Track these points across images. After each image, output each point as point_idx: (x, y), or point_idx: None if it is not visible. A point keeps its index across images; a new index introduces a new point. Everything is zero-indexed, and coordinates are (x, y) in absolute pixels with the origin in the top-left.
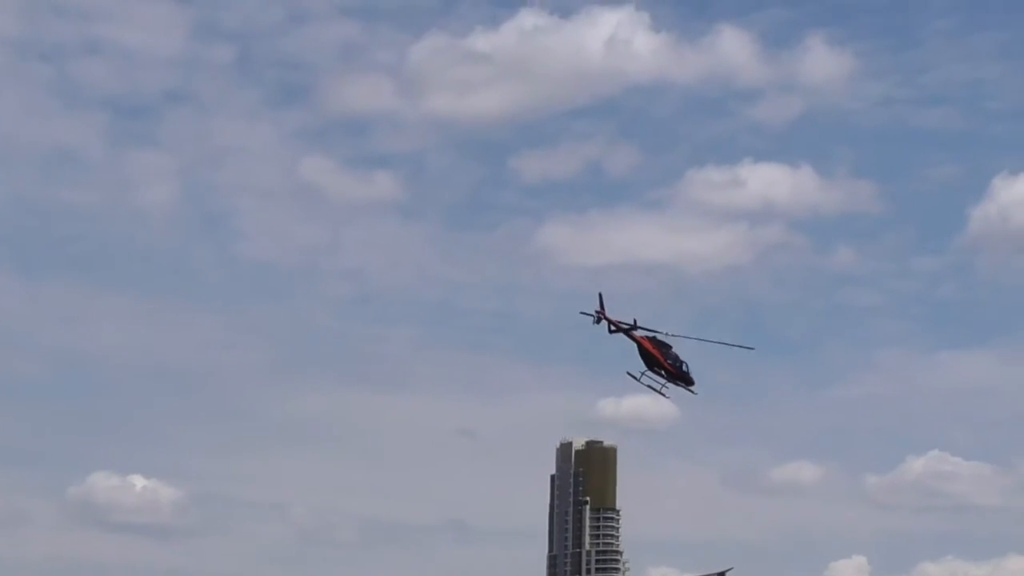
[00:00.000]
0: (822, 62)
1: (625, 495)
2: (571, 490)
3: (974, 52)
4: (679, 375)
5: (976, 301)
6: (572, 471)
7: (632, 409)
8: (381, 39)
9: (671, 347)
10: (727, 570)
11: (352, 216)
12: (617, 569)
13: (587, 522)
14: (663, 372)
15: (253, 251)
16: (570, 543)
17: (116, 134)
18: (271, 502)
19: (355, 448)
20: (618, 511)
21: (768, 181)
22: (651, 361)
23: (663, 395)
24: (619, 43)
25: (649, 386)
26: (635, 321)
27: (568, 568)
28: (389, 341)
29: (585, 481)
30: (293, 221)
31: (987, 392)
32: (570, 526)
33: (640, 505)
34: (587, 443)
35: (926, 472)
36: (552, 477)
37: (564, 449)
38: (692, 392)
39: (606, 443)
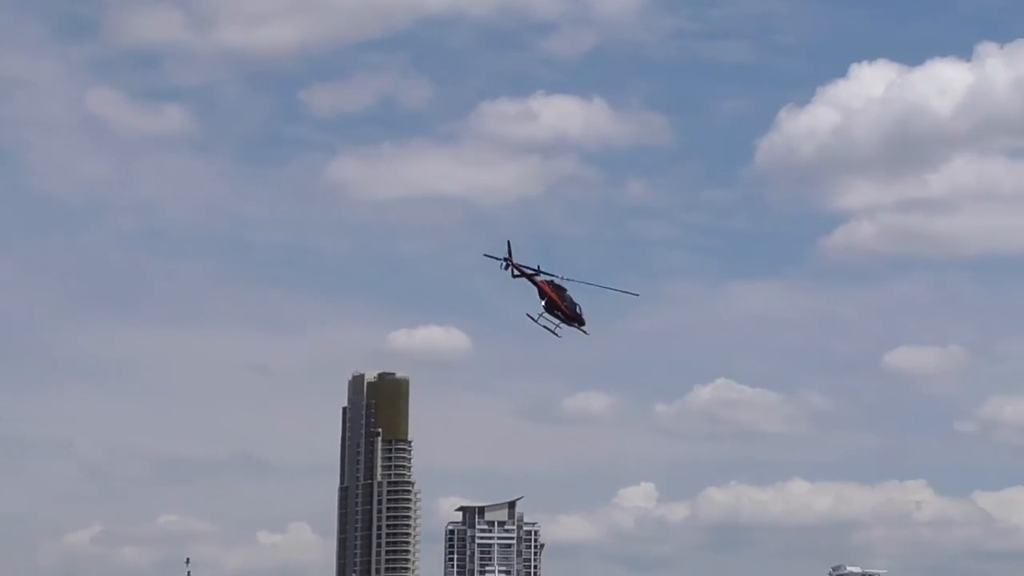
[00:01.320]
0: None
1: (417, 427)
2: (363, 422)
3: None
4: (573, 316)
5: (764, 233)
6: (364, 403)
7: (424, 341)
8: None
9: (566, 290)
10: (518, 499)
11: (141, 150)
12: (409, 500)
13: (379, 454)
14: (560, 314)
15: (40, 185)
16: (362, 475)
17: None
18: (58, 439)
19: (145, 384)
20: (410, 442)
21: (561, 114)
22: (550, 304)
23: (556, 335)
24: None
25: (544, 326)
26: (538, 267)
27: (359, 499)
28: (180, 276)
29: (377, 413)
30: (80, 155)
31: (773, 321)
32: (362, 458)
33: (432, 436)
34: (379, 375)
35: (713, 400)
36: (344, 410)
37: (356, 382)
38: (584, 332)
39: (398, 375)
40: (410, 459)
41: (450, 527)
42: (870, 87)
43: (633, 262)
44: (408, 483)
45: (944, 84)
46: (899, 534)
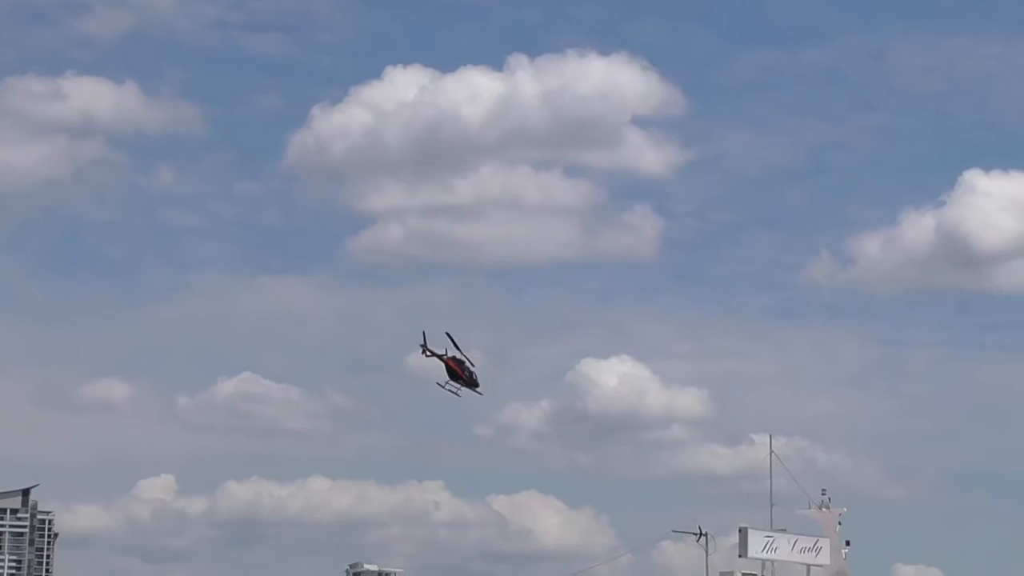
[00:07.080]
0: None
1: None
2: None
3: None
4: (471, 382)
5: (293, 229)
6: None
7: None
8: None
9: (464, 360)
10: (32, 487)
11: None
12: None
13: None
14: (461, 381)
15: None
16: None
17: None
18: None
19: None
20: None
21: (91, 96)
22: (454, 375)
23: (457, 395)
24: None
25: (448, 390)
26: (446, 349)
27: None
28: None
29: None
30: None
31: (300, 318)
32: None
33: None
34: None
35: (237, 394)
36: None
37: None
38: (479, 393)
39: None
40: None
41: None
42: (403, 91)
43: (161, 250)
44: None
45: (475, 92)
46: (416, 533)
